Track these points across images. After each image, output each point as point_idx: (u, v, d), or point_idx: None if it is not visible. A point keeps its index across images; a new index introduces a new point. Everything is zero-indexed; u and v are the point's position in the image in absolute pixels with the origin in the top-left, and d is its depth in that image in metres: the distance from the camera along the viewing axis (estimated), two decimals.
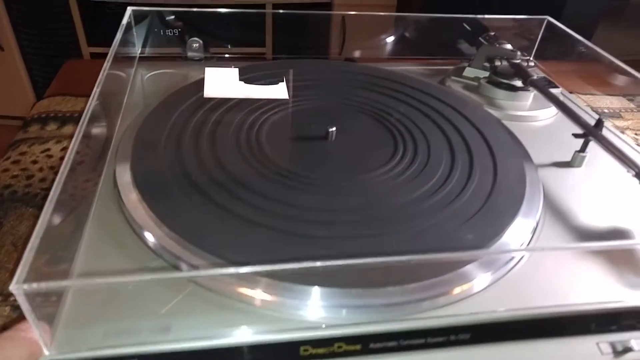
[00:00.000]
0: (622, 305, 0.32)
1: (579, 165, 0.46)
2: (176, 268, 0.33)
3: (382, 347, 0.30)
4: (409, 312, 0.31)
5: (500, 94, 0.56)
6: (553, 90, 0.58)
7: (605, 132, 0.44)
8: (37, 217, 0.46)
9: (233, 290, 0.31)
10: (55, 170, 0.52)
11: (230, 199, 0.37)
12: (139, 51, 0.63)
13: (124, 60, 0.69)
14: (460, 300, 0.32)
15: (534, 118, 0.54)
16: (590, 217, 0.40)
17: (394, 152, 0.44)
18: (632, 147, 0.48)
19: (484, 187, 0.40)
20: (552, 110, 0.55)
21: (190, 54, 0.65)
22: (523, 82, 0.54)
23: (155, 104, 0.48)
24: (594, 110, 0.56)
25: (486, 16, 0.66)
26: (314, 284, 0.30)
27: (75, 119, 0.62)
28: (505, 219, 0.37)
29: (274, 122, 0.47)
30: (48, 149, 0.56)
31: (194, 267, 0.32)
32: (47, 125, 0.60)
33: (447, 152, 0.44)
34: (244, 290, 0.31)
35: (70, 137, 0.58)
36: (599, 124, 0.44)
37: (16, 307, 0.37)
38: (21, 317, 0.27)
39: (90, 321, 0.29)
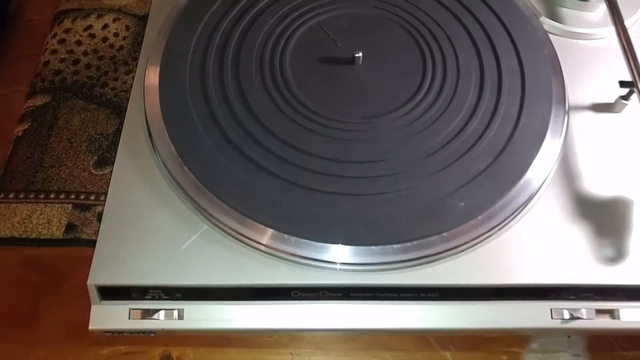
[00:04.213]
0: (579, 282, 0.35)
1: (619, 111, 0.43)
2: (197, 205, 0.37)
3: (361, 296, 0.36)
4: (387, 270, 0.35)
5: (566, 2, 0.49)
6: None
7: None
8: (86, 110, 0.51)
9: (241, 237, 0.36)
10: (98, 55, 0.55)
11: (244, 139, 0.39)
12: None
13: None
14: (434, 262, 0.35)
15: (597, 36, 0.48)
16: (602, 181, 0.40)
17: (420, 84, 0.43)
18: None
19: (498, 141, 0.40)
20: (627, 23, 0.48)
21: None
22: None
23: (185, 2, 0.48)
24: None
25: None
26: (312, 239, 0.35)
27: None
28: (506, 184, 0.38)
29: (300, 37, 0.46)
30: (90, 26, 0.57)
31: (207, 212, 0.36)
32: None
33: (474, 89, 0.43)
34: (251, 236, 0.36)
35: (110, 10, 0.59)
36: None
37: (77, 205, 0.45)
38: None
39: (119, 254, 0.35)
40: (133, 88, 0.45)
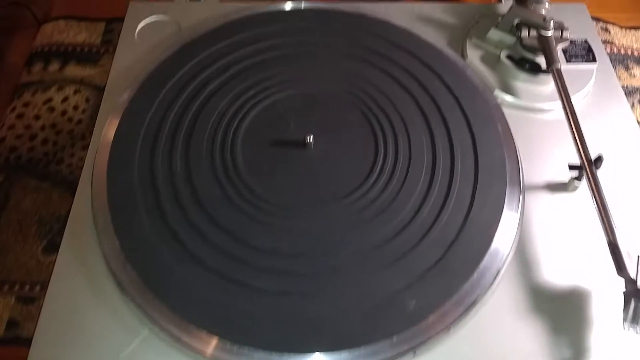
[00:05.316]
0: None
1: (573, 191, 0.43)
2: (138, 306, 0.36)
3: None
4: None
5: (519, 76, 0.49)
6: (587, 66, 0.50)
7: (607, 170, 0.40)
8: (39, 190, 0.50)
9: (182, 343, 0.35)
10: (56, 129, 0.54)
11: (190, 233, 0.38)
12: None
13: None
14: None
15: (550, 109, 0.48)
16: (558, 269, 0.39)
17: (371, 168, 0.42)
18: None
19: (450, 230, 0.39)
20: (576, 98, 0.48)
21: None
22: (547, 65, 0.47)
23: (138, 84, 0.47)
24: None
25: None
26: (254, 347, 0.34)
27: (76, 55, 0.61)
28: (458, 279, 0.37)
29: (253, 118, 0.45)
30: (50, 99, 0.57)
31: (148, 315, 0.35)
32: (50, 64, 0.60)
33: (426, 172, 0.42)
34: (193, 343, 0.34)
35: (72, 81, 0.59)
36: (598, 161, 0.39)
37: (20, 298, 0.44)
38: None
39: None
40: (83, 172, 0.44)
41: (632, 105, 0.56)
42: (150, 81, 0.47)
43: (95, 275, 0.38)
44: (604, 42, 0.61)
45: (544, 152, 0.45)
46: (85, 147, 0.53)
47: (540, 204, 0.42)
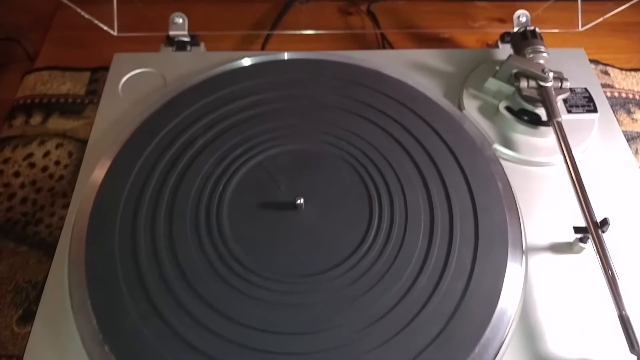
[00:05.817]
0: None
1: (578, 252, 0.41)
2: None
3: None
4: None
5: (518, 128, 0.47)
6: (588, 116, 0.48)
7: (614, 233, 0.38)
8: (15, 254, 0.48)
9: None
10: (36, 187, 0.52)
11: (174, 309, 0.36)
12: (117, 33, 0.56)
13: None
14: None
15: (551, 163, 0.46)
16: (564, 339, 0.36)
17: (366, 232, 0.40)
18: None
19: (450, 301, 0.36)
20: (578, 150, 0.46)
21: (172, 32, 0.57)
22: (547, 118, 0.45)
23: (121, 143, 0.45)
24: None
25: None
26: None
27: (60, 106, 0.59)
28: (459, 354, 0.34)
29: (241, 179, 0.43)
30: (31, 154, 0.55)
31: None
32: (32, 116, 0.58)
33: (424, 236, 0.40)
34: None
35: (54, 135, 0.57)
36: (604, 224, 0.37)
37: None
38: None
39: None
40: (61, 238, 0.41)
41: (636, 152, 0.54)
42: (132, 141, 0.45)
43: (70, 357, 0.35)
44: (604, 85, 0.59)
45: (547, 209, 0.43)
46: (66, 206, 0.50)
47: (544, 267, 0.40)
